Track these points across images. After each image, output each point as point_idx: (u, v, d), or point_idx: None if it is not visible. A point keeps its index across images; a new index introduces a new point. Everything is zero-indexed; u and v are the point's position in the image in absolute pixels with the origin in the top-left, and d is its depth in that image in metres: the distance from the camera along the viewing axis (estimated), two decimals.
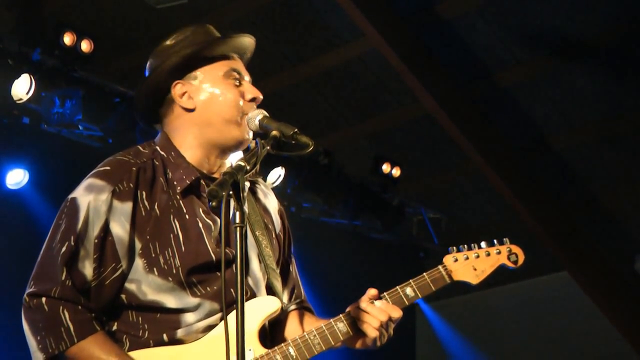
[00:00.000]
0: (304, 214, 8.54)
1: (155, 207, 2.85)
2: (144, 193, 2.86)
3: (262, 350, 2.87)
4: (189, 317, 2.83)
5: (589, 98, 8.40)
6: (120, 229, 2.82)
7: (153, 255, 2.83)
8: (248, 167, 2.59)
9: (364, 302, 2.92)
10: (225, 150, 2.97)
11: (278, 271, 3.05)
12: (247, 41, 3.05)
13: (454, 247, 3.06)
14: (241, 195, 2.51)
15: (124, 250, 2.82)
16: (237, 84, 2.97)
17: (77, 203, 2.85)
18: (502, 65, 8.31)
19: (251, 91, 2.97)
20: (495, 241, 3.08)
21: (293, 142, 2.77)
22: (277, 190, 7.79)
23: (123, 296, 2.84)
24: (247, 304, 2.80)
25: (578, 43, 7.98)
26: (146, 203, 2.85)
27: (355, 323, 2.91)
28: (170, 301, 2.82)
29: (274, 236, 3.09)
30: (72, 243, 2.80)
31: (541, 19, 7.87)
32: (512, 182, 8.77)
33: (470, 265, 3.02)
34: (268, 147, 2.72)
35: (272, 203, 3.16)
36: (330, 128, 9.10)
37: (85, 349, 2.75)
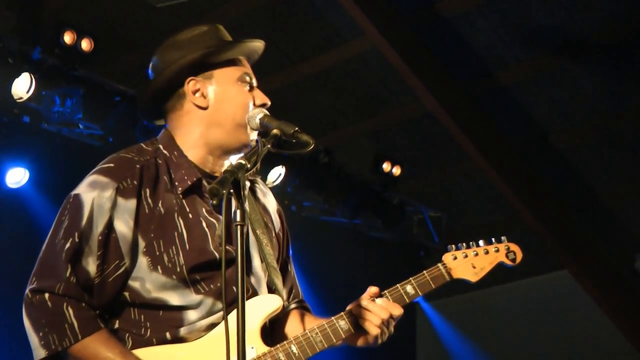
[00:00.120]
0: (304, 212, 8.54)
1: (160, 205, 2.86)
2: (147, 191, 2.86)
3: (265, 348, 2.88)
4: (191, 315, 2.83)
5: (589, 97, 8.40)
6: (124, 226, 2.82)
7: (157, 253, 2.83)
8: (249, 166, 2.60)
9: (365, 300, 2.94)
10: (228, 152, 2.98)
11: (279, 270, 3.06)
12: (259, 46, 3.09)
13: (453, 246, 3.09)
14: (242, 193, 2.51)
15: (127, 247, 2.82)
16: (249, 88, 3.00)
17: (80, 199, 2.84)
18: (502, 64, 8.31)
19: (261, 97, 3.00)
20: (493, 239, 3.11)
21: (293, 140, 2.78)
22: (278, 189, 7.88)
23: (126, 294, 2.84)
24: (248, 302, 2.82)
25: (578, 42, 7.98)
26: (150, 201, 2.85)
27: (356, 321, 2.93)
28: (174, 298, 2.83)
29: (273, 235, 3.10)
30: (76, 239, 2.79)
31: (542, 18, 7.87)
32: (512, 180, 8.77)
33: (469, 263, 3.06)
34: (269, 146, 2.73)
35: (271, 203, 3.17)
36: (331, 127, 9.10)
37: (89, 346, 2.75)
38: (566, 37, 7.97)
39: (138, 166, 2.88)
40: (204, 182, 2.92)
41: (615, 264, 9.23)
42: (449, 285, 3.09)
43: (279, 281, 3.03)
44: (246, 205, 2.99)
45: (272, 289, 3.02)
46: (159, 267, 2.82)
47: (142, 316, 2.84)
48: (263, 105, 2.97)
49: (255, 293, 2.94)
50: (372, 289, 2.96)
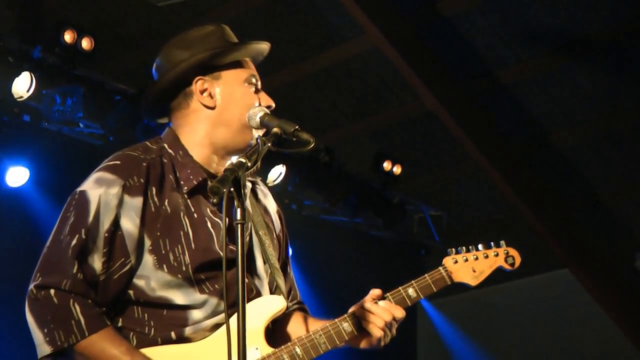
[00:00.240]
0: (304, 211, 8.54)
1: (166, 203, 2.86)
2: (153, 189, 2.86)
3: (269, 349, 2.89)
4: (196, 314, 2.83)
5: (589, 96, 8.40)
6: (130, 224, 2.81)
7: (163, 252, 2.83)
8: (249, 164, 2.59)
9: (368, 302, 2.97)
10: (232, 152, 2.98)
11: (281, 271, 3.08)
12: (265, 48, 3.12)
13: (453, 249, 3.13)
14: (242, 191, 2.51)
15: (133, 245, 2.81)
16: (255, 90, 3.01)
17: (86, 196, 2.83)
18: (502, 62, 8.31)
19: (266, 100, 3.01)
20: (492, 243, 3.16)
21: (294, 139, 2.78)
22: (278, 188, 7.88)
23: (131, 292, 2.83)
24: (252, 303, 2.87)
25: (579, 40, 7.98)
26: (156, 199, 2.85)
27: (359, 323, 2.95)
28: (178, 298, 2.83)
29: (274, 236, 3.11)
30: (83, 236, 2.78)
31: (542, 17, 7.87)
32: (512, 179, 8.77)
33: (469, 267, 3.11)
34: (269, 144, 2.72)
35: (271, 204, 3.18)
36: (331, 126, 9.10)
37: (95, 343, 2.74)
38: (566, 36, 7.97)
39: (144, 164, 2.88)
40: (209, 183, 2.92)
41: (615, 263, 9.23)
42: (448, 285, 3.12)
43: (281, 282, 3.04)
44: (247, 204, 3.00)
45: (274, 290, 3.03)
46: (164, 266, 2.82)
47: (146, 315, 2.83)
48: (268, 108, 2.98)
49: (259, 294, 2.94)
50: (375, 292, 2.98)
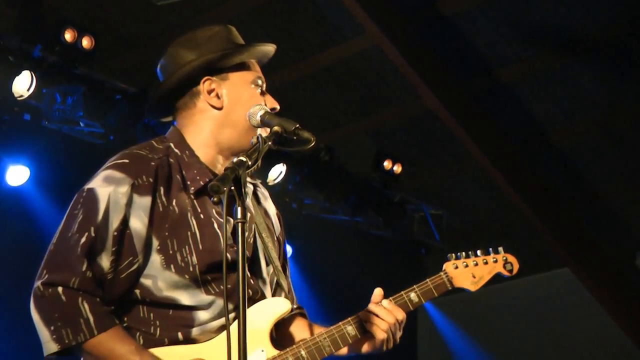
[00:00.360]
0: (305, 210, 8.54)
1: (174, 204, 2.86)
2: (161, 189, 2.86)
3: (275, 352, 2.90)
4: (202, 315, 2.83)
5: (590, 94, 8.40)
6: (138, 223, 2.81)
7: (171, 252, 2.82)
8: (249, 163, 2.59)
9: (372, 304, 3.01)
10: (237, 153, 2.97)
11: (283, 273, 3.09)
12: (271, 50, 3.13)
13: (453, 255, 3.21)
14: (243, 190, 2.50)
15: (141, 244, 2.81)
16: (261, 92, 3.02)
17: (95, 194, 2.82)
18: (503, 61, 8.31)
19: (271, 102, 3.02)
20: (490, 249, 3.25)
21: (294, 137, 2.78)
22: (279, 187, 7.89)
23: (137, 291, 2.83)
24: (258, 305, 2.89)
25: (579, 39, 7.98)
26: (164, 199, 2.85)
27: (363, 326, 2.98)
28: (185, 298, 2.83)
29: (275, 238, 3.12)
30: (93, 234, 2.77)
31: (542, 16, 7.87)
32: (513, 178, 8.77)
33: (469, 272, 3.20)
34: (269, 143, 2.73)
35: (271, 207, 3.19)
36: (332, 124, 9.10)
37: (104, 342, 2.73)
38: (567, 35, 7.97)
39: (153, 164, 2.88)
40: None
41: (615, 262, 9.22)
42: (449, 290, 3.20)
43: (285, 284, 3.06)
44: (250, 206, 3.01)
45: (277, 292, 3.05)
46: (172, 266, 2.82)
47: (152, 314, 2.83)
48: (273, 110, 2.99)
49: (263, 296, 2.95)
50: (377, 291, 3.02)
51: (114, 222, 2.79)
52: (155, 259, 2.82)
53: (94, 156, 6.79)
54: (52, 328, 2.71)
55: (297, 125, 2.77)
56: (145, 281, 2.82)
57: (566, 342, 9.46)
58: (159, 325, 2.82)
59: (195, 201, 2.89)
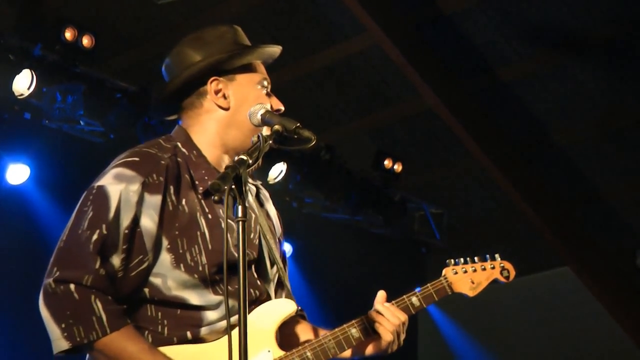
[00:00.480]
0: (305, 209, 8.54)
1: (183, 203, 2.85)
2: (171, 188, 2.85)
3: (280, 352, 2.90)
4: (210, 315, 2.83)
5: (590, 93, 8.40)
6: (149, 222, 2.80)
7: (180, 251, 2.82)
8: (250, 161, 2.60)
9: (378, 305, 3.04)
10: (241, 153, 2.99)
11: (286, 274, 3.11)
12: (277, 52, 3.17)
13: (452, 260, 3.29)
14: (243, 189, 2.50)
15: (151, 243, 2.80)
16: (267, 94, 3.04)
17: (106, 191, 2.80)
18: (503, 60, 8.31)
19: (276, 103, 3.03)
20: (487, 256, 3.34)
21: (295, 136, 2.78)
22: (279, 186, 7.88)
23: (146, 290, 2.82)
24: (264, 306, 2.90)
25: (580, 38, 7.98)
26: (174, 198, 2.84)
27: (367, 329, 3.00)
28: (193, 298, 2.82)
29: (276, 240, 3.13)
30: (104, 231, 2.75)
31: (543, 14, 7.87)
32: (513, 177, 8.77)
33: (468, 278, 3.28)
34: (270, 142, 2.73)
35: (272, 208, 3.19)
36: (332, 123, 9.10)
37: (116, 340, 2.71)
38: (567, 34, 7.97)
39: (163, 162, 2.87)
40: None
41: (616, 261, 9.23)
42: (449, 295, 3.27)
43: (289, 285, 3.08)
44: (254, 207, 3.01)
45: (279, 293, 3.06)
46: (181, 265, 2.81)
47: (160, 313, 2.82)
48: (277, 111, 2.99)
49: (269, 297, 2.96)
50: (380, 296, 3.04)
51: (125, 220, 2.78)
52: (165, 257, 2.81)
53: (94, 155, 6.82)
54: (63, 326, 2.68)
55: (298, 124, 2.77)
56: (155, 280, 2.82)
57: (566, 342, 9.46)
58: (167, 325, 2.81)
59: (203, 201, 2.88)
